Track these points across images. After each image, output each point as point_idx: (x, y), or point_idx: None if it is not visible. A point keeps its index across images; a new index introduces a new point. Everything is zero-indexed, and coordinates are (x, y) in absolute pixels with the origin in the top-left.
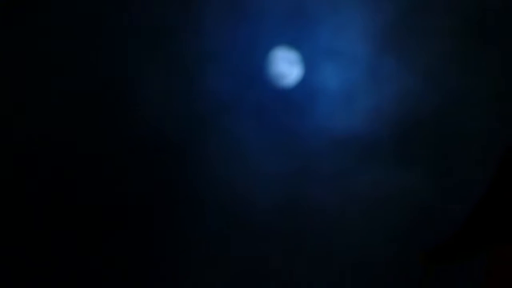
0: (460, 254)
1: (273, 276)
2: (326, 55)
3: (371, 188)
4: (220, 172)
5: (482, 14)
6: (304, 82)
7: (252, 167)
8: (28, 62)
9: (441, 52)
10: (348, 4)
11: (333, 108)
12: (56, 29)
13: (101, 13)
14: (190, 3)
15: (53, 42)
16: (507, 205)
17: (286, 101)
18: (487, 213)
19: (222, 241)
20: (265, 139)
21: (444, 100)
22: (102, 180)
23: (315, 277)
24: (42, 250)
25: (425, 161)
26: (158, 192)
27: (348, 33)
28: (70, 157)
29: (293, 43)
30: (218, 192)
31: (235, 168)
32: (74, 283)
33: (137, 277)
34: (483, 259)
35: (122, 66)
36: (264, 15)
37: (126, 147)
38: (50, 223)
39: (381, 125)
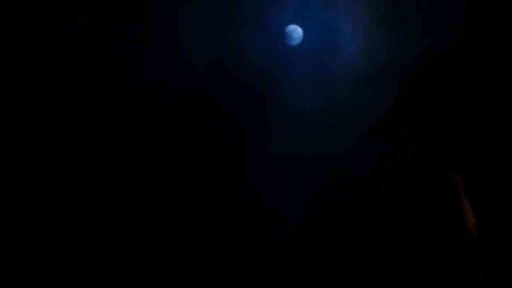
0: (397, 127)
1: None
2: (324, 26)
3: (365, 99)
4: (280, 84)
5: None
6: (310, 42)
7: (298, 85)
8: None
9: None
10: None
11: (337, 53)
12: None
13: None
14: None
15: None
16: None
17: (300, 54)
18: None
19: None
20: (302, 69)
21: (412, 47)
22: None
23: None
24: None
25: (397, 82)
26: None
27: (344, 12)
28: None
29: (300, 20)
30: (277, 93)
31: (288, 86)
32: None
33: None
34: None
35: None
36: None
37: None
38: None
39: (371, 61)
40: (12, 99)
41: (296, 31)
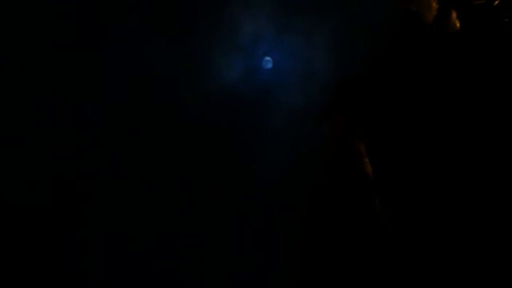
0: (326, 117)
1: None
2: (292, 53)
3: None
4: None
5: None
6: (279, 67)
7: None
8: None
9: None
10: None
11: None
12: None
13: None
14: None
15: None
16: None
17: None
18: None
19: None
20: (284, 83)
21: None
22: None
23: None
24: None
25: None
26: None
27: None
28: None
29: (271, 52)
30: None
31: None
32: None
33: None
34: None
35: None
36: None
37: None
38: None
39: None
40: None
41: (270, 60)
